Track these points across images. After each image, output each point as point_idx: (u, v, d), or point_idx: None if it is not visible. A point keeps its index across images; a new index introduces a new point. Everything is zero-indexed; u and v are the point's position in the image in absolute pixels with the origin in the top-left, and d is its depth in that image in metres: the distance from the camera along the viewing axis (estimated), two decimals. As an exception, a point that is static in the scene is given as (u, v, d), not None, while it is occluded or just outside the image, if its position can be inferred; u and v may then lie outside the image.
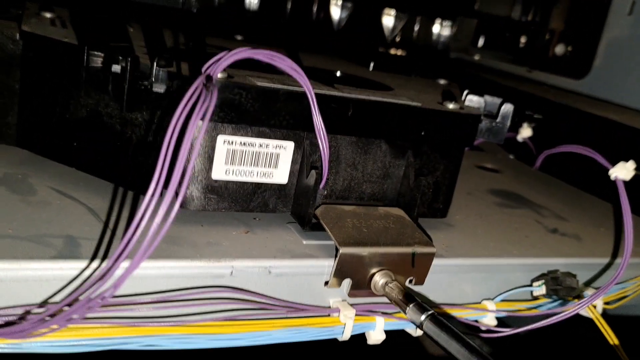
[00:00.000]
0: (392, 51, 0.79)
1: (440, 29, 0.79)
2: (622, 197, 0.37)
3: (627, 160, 0.43)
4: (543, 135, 0.58)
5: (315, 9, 0.73)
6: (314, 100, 0.35)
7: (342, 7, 0.72)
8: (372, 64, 0.57)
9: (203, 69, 0.31)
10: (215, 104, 0.27)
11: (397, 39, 0.79)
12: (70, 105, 0.37)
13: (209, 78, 0.29)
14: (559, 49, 0.79)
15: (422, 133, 0.39)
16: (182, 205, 0.35)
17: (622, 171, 0.38)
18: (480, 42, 0.84)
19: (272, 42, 0.64)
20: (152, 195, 0.25)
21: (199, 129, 0.30)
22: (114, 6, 0.62)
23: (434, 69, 0.70)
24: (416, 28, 0.80)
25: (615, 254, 0.45)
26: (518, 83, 0.71)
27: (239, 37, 0.63)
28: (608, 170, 0.39)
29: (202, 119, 0.27)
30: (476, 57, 0.83)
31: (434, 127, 0.40)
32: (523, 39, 0.83)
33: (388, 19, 0.75)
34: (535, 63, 0.80)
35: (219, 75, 0.33)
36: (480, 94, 0.46)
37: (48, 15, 0.47)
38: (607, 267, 0.43)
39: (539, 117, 0.59)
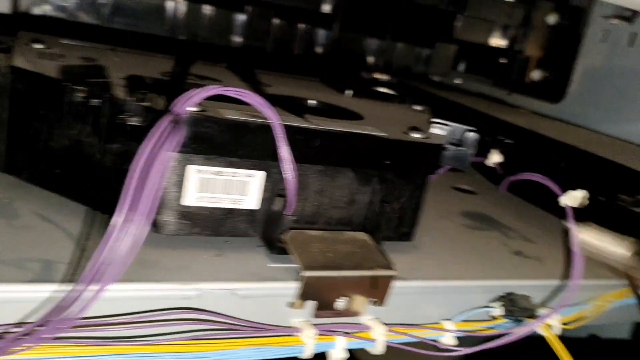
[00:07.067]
0: (376, 75, 0.82)
1: (420, 54, 0.82)
2: (571, 223, 0.39)
3: (591, 185, 0.45)
4: (514, 160, 0.60)
5: (298, 36, 0.76)
6: (281, 133, 0.37)
7: (325, 35, 0.75)
8: (347, 92, 0.60)
9: (172, 106, 0.33)
10: (180, 139, 0.30)
11: (379, 64, 0.81)
12: (54, 134, 0.39)
13: (176, 115, 0.31)
14: (536, 75, 0.81)
15: (387, 162, 0.42)
16: (156, 230, 0.38)
17: (570, 199, 0.40)
18: (461, 66, 0.87)
19: (257, 68, 0.67)
20: (119, 223, 0.28)
21: (166, 162, 0.32)
22: (102, 35, 0.64)
23: (413, 94, 0.72)
24: (397, 54, 0.82)
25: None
26: (494, 108, 0.73)
27: (224, 64, 0.65)
28: (558, 197, 0.41)
29: (170, 151, 0.30)
30: (457, 81, 0.86)
31: (398, 156, 0.42)
32: (502, 64, 0.85)
33: (370, 46, 0.78)
34: (514, 87, 0.82)
35: (193, 109, 0.36)
36: (451, 120, 0.49)
37: (38, 47, 0.50)
38: (563, 288, 0.45)
39: (510, 142, 0.61)
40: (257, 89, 0.51)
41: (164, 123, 0.30)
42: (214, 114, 0.37)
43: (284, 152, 0.37)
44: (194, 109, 0.36)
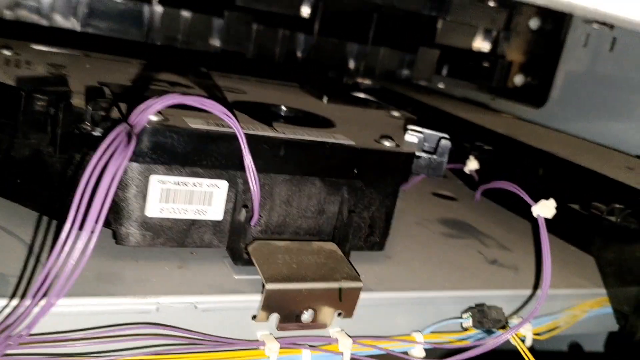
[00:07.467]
0: (358, 80, 0.81)
1: (403, 59, 0.81)
2: (543, 233, 0.39)
3: (569, 193, 0.44)
4: (493, 167, 0.60)
5: (279, 40, 0.75)
6: (244, 142, 0.36)
7: (306, 39, 0.74)
8: (325, 98, 0.59)
9: (131, 116, 0.33)
10: (133, 149, 0.29)
11: (361, 69, 0.81)
12: (14, 144, 0.39)
13: (131, 124, 0.31)
14: (518, 79, 0.81)
15: (355, 171, 0.41)
16: (119, 242, 0.37)
17: (543, 209, 0.40)
18: (444, 71, 0.87)
19: (237, 73, 0.66)
20: (67, 234, 0.27)
21: (118, 171, 0.31)
22: (79, 40, 0.63)
23: (395, 99, 0.72)
24: (380, 59, 0.82)
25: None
26: (475, 113, 0.73)
27: (203, 69, 0.64)
28: (531, 207, 0.40)
29: (123, 161, 0.29)
30: (440, 86, 0.85)
31: (366, 165, 0.41)
32: (485, 69, 0.85)
33: (351, 51, 0.77)
34: (497, 91, 0.82)
35: (154, 118, 0.35)
36: (431, 126, 0.48)
37: (5, 53, 0.49)
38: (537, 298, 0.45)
39: (489, 148, 0.61)
40: (222, 96, 0.50)
41: (117, 132, 0.29)
42: (175, 123, 0.36)
43: (247, 161, 0.36)
44: (155, 118, 0.35)
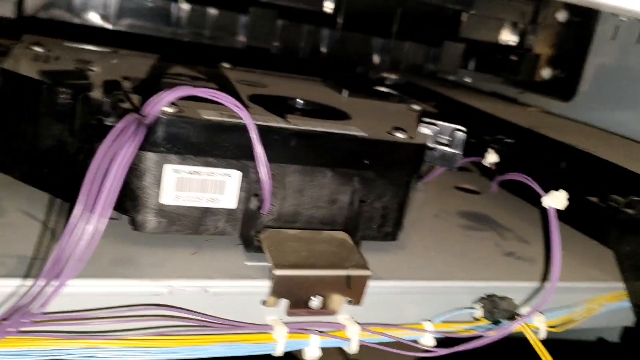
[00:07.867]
0: (384, 74, 0.82)
1: (428, 53, 0.81)
2: (553, 224, 0.39)
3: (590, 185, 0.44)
4: (514, 160, 0.60)
5: (303, 36, 0.77)
6: (254, 133, 0.37)
7: (330, 34, 0.75)
8: (346, 92, 0.60)
9: (143, 107, 0.34)
10: (142, 138, 0.30)
11: (386, 63, 0.81)
12: (39, 135, 0.41)
13: (142, 115, 0.32)
14: (546, 73, 0.80)
15: (367, 162, 0.42)
16: (136, 228, 0.39)
17: (553, 200, 0.39)
18: (471, 65, 0.86)
19: (262, 68, 0.67)
20: (77, 218, 0.28)
21: (127, 159, 0.32)
22: (108, 38, 0.66)
23: (418, 93, 0.72)
24: (405, 53, 0.82)
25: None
26: (499, 106, 0.72)
27: (226, 65, 0.66)
28: (541, 197, 0.40)
29: (132, 149, 0.30)
30: (466, 79, 0.85)
31: (378, 156, 0.42)
32: (511, 62, 0.84)
33: (376, 45, 0.78)
34: (524, 85, 0.81)
35: (170, 110, 0.37)
36: (452, 119, 0.48)
37: (37, 49, 0.51)
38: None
39: (510, 141, 0.60)
40: (241, 89, 0.51)
41: (126, 122, 0.30)
42: (188, 114, 0.37)
43: (258, 151, 0.38)
44: (170, 109, 0.37)
